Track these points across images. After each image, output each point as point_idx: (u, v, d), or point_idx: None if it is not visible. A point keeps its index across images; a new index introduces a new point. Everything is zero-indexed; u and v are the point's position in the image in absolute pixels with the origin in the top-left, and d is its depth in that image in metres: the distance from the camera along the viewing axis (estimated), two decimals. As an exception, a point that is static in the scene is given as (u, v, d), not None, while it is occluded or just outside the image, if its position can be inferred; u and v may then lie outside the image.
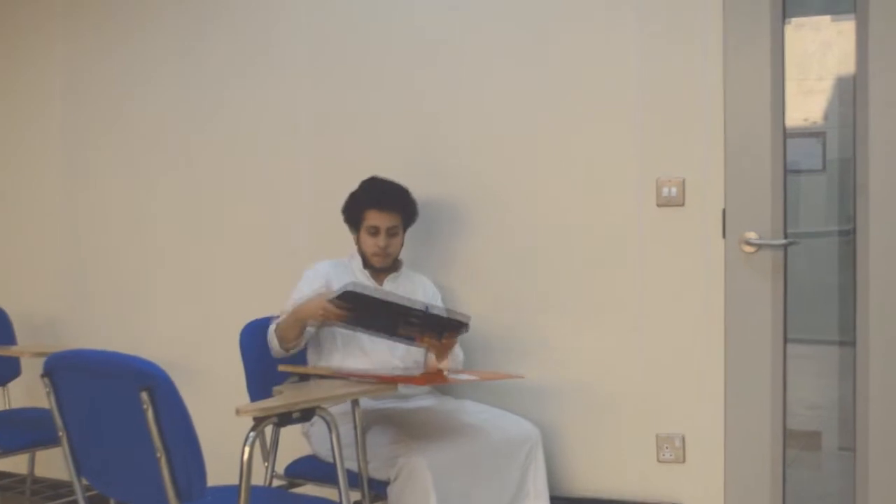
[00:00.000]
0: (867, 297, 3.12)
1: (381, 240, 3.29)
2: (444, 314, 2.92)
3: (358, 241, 3.37)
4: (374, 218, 3.30)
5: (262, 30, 4.03)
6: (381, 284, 3.36)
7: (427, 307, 2.87)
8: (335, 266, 3.35)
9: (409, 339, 3.09)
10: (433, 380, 3.13)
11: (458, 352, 3.29)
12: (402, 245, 3.40)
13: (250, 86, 4.04)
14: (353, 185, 3.39)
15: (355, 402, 2.93)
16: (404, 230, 3.40)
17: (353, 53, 3.84)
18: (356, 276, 3.32)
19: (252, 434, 2.48)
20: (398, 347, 3.26)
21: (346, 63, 3.86)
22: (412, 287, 3.41)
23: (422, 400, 3.35)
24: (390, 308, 2.86)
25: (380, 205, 3.30)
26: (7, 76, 4.65)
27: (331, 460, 3.00)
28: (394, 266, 3.42)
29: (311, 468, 3.19)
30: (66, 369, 2.49)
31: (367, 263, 3.37)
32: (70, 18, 4.46)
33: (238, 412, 2.49)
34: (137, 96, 4.30)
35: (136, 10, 4.30)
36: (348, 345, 3.24)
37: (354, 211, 3.36)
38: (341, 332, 3.22)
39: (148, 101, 4.28)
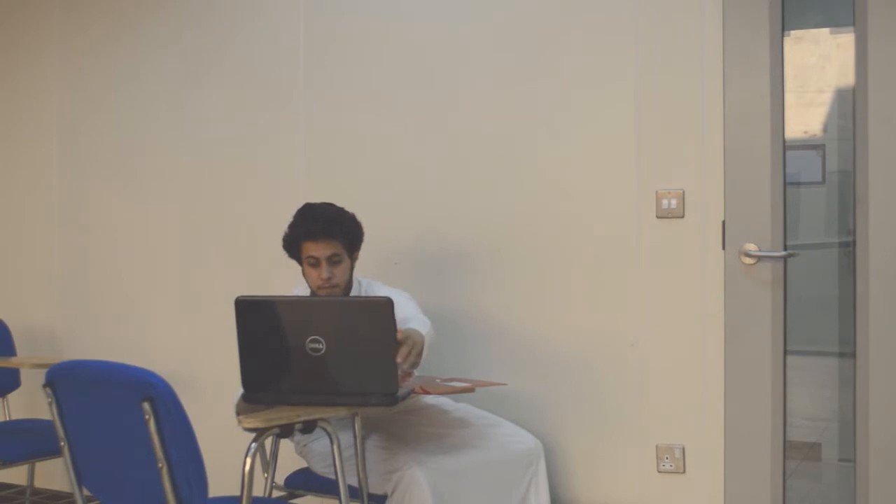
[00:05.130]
0: (867, 308, 3.12)
1: (323, 271, 3.08)
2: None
3: (304, 275, 3.17)
4: (310, 249, 3.10)
5: (263, 41, 4.04)
6: None
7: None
8: None
9: None
10: (424, 390, 3.05)
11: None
12: (351, 270, 3.18)
13: (255, 97, 4.06)
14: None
15: (355, 414, 2.93)
16: (350, 255, 3.17)
17: (350, 70, 3.85)
18: None
19: (254, 445, 2.48)
20: None
21: (344, 80, 3.86)
22: None
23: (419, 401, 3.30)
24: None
25: (314, 235, 3.09)
26: (3, 80, 4.66)
27: (328, 476, 3.00)
28: (346, 294, 3.21)
29: (311, 480, 3.17)
30: (68, 379, 2.49)
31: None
32: (67, 17, 4.45)
33: (240, 423, 2.49)
34: (137, 105, 4.30)
35: (134, 9, 4.30)
36: None
37: (291, 245, 3.17)
38: None
39: (148, 112, 4.28)
